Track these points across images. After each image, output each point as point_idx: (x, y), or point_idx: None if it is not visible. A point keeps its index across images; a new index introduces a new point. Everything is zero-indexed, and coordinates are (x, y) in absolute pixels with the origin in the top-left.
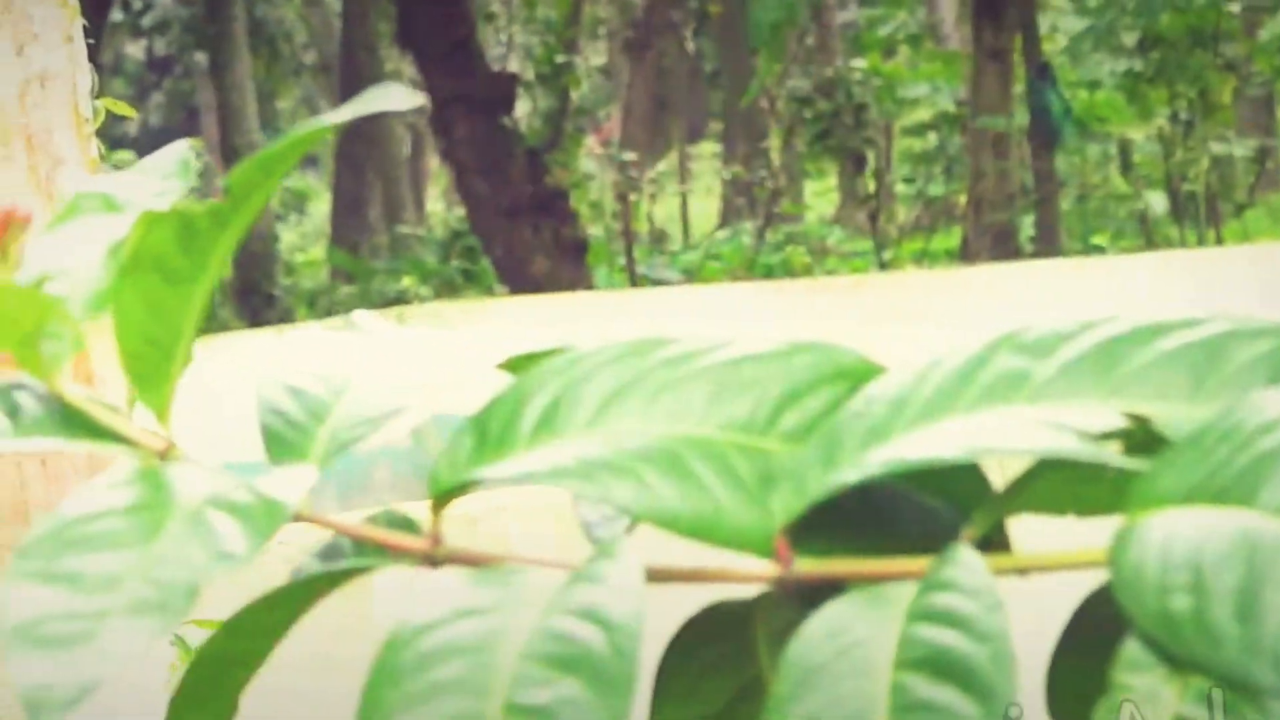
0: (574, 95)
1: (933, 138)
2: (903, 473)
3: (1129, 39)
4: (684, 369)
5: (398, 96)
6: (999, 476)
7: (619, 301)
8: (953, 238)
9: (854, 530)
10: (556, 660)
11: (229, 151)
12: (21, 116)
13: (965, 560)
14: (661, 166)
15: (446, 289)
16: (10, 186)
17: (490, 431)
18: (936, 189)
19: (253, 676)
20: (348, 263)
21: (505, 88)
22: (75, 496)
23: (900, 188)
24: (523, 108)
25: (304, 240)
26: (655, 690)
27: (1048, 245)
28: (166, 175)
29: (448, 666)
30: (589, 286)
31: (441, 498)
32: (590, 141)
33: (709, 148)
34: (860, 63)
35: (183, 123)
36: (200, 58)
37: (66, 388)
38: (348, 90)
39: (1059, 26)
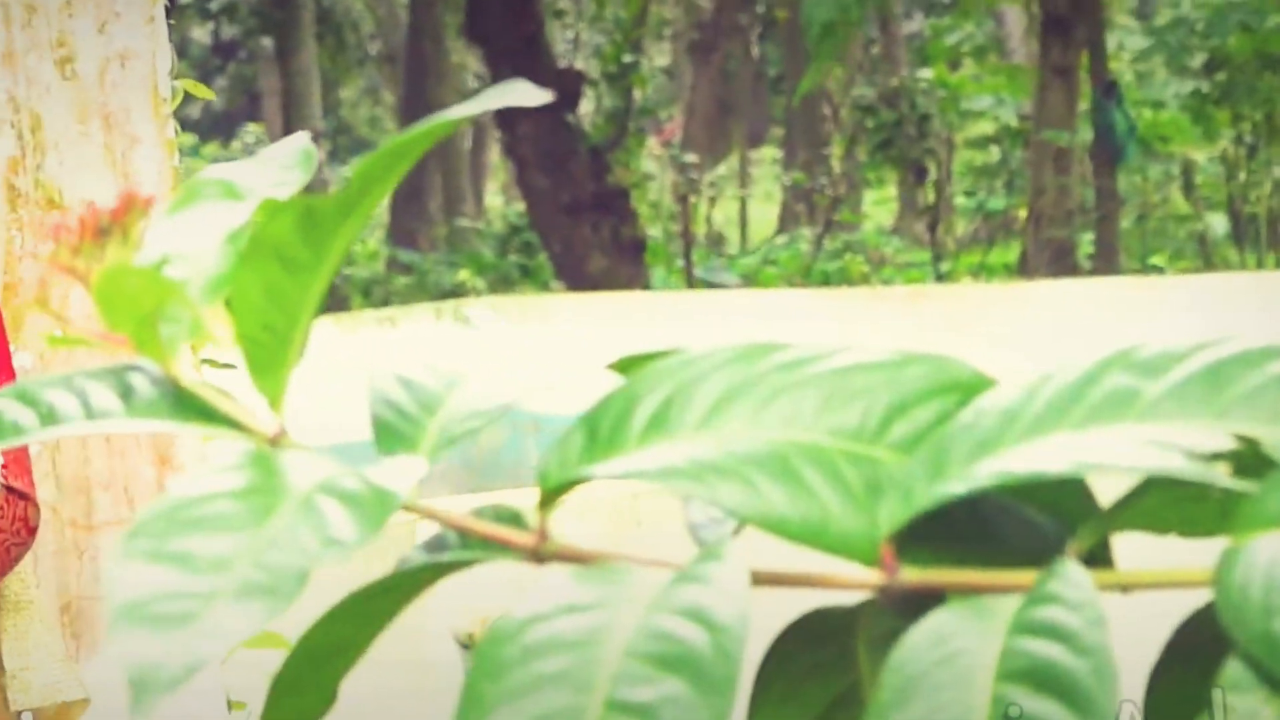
0: (638, 95)
1: (995, 151)
2: (1009, 486)
3: (1196, 60)
4: (796, 375)
5: (526, 93)
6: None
7: (676, 303)
8: (1011, 252)
9: (958, 541)
10: (660, 659)
11: None
12: (100, 95)
13: (1070, 575)
14: (721, 170)
15: (502, 283)
16: (86, 163)
17: (601, 430)
18: (996, 203)
19: (353, 665)
20: (405, 254)
21: (571, 85)
22: (186, 478)
23: (960, 200)
24: (586, 105)
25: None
26: (754, 693)
27: (1106, 263)
28: (286, 165)
29: (551, 660)
30: (645, 286)
31: (550, 494)
32: (651, 142)
33: (769, 153)
34: (925, 73)
35: (245, 107)
36: (266, 43)
37: (181, 371)
38: (412, 81)
39: (1126, 45)
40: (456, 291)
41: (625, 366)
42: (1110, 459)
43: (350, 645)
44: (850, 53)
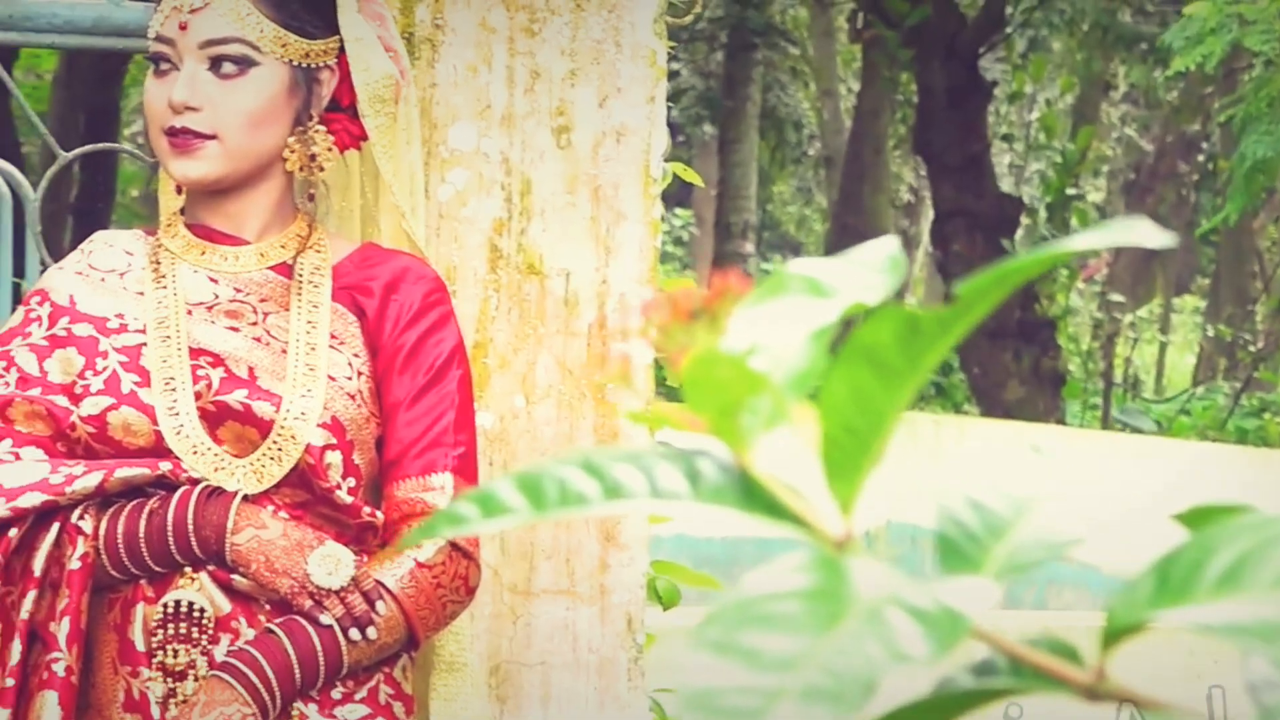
0: (1075, 228)
1: None
2: None
3: None
4: None
5: (1148, 234)
6: None
7: (1090, 441)
8: None
9: None
10: None
11: (723, 229)
12: (593, 167)
13: None
14: (1142, 313)
15: (915, 400)
16: (570, 234)
17: (1172, 577)
18: None
19: None
20: None
21: (1011, 209)
22: (758, 574)
23: None
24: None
25: None
26: None
27: None
28: (875, 268)
29: None
30: (1059, 421)
31: (1114, 634)
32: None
33: (1191, 301)
34: None
35: (674, 192)
36: (707, 129)
37: (754, 462)
38: (848, 186)
39: None
40: None
41: (1194, 519)
42: None
43: None
44: None
